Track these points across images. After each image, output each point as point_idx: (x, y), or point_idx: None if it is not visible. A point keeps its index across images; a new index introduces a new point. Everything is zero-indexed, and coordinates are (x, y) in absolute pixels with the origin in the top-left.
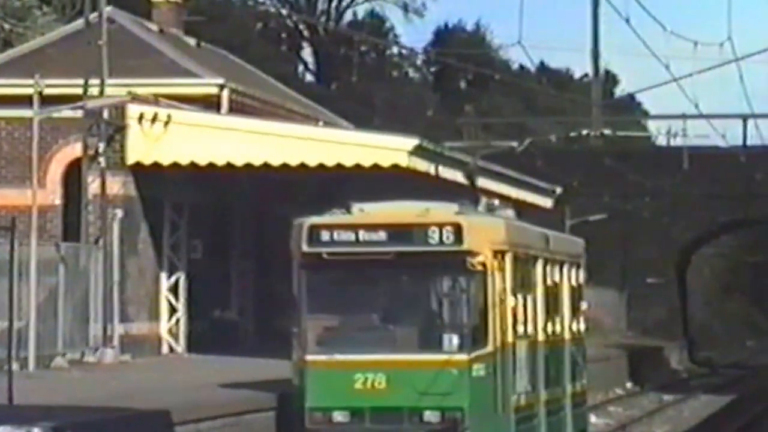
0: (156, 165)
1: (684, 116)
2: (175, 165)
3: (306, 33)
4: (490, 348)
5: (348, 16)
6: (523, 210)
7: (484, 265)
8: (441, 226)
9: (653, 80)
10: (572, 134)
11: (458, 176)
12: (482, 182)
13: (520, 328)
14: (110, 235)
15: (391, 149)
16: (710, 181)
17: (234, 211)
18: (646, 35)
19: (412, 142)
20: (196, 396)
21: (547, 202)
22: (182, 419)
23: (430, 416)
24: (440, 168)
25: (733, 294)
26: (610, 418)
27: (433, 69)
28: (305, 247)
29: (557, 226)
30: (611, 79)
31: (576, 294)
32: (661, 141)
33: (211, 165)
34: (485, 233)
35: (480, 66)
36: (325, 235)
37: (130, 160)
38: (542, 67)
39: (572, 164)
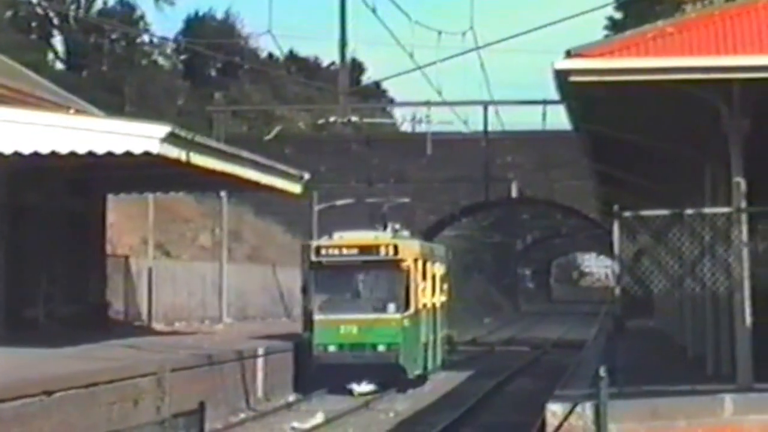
0: None
1: (428, 103)
2: None
3: (56, 21)
4: (411, 311)
5: (98, 4)
6: (273, 195)
7: (408, 267)
8: (387, 245)
9: (399, 68)
10: (320, 122)
11: (209, 163)
12: (233, 169)
13: (423, 300)
14: None
15: (142, 137)
16: (452, 165)
17: None
18: (391, 24)
19: (164, 129)
20: None
21: (295, 188)
22: None
23: (381, 347)
24: (192, 155)
25: (472, 274)
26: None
27: (183, 57)
28: (313, 258)
29: (305, 211)
30: (358, 68)
31: (443, 280)
32: (406, 127)
33: None
34: (409, 249)
35: (230, 54)
36: (324, 251)
37: None
38: (291, 55)
39: (320, 151)
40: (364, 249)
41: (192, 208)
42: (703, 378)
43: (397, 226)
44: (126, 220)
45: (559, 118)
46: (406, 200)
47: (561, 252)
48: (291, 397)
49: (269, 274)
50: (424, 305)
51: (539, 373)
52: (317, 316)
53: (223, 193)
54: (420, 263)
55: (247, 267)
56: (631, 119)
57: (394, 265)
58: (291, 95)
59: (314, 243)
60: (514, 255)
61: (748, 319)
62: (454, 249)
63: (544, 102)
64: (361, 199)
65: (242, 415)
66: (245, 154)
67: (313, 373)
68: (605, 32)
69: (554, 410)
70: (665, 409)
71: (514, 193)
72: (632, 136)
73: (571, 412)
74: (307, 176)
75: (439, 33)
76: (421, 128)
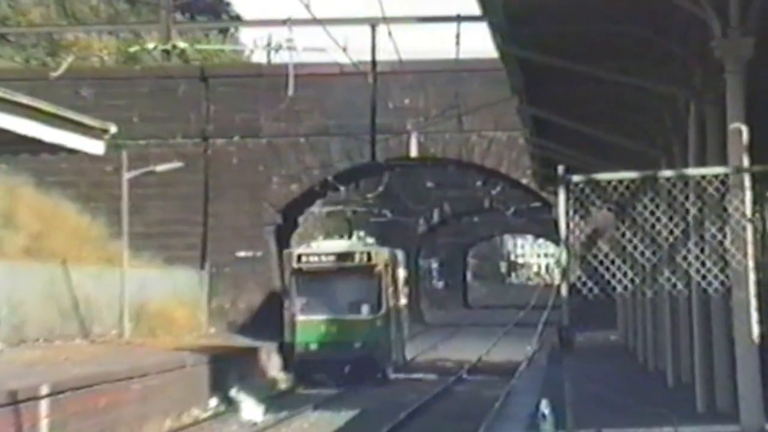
0: None
1: (289, 21)
2: None
3: None
4: (383, 312)
5: None
6: (62, 159)
7: (380, 272)
8: (361, 253)
9: None
10: (132, 50)
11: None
12: (2, 121)
13: (391, 302)
14: None
15: None
16: (324, 112)
17: None
18: None
19: None
20: None
21: (97, 147)
22: None
23: (357, 345)
24: None
25: None
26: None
27: None
28: (294, 264)
29: (112, 181)
30: None
31: (405, 283)
32: (259, 57)
33: None
34: (381, 256)
35: None
36: (304, 258)
37: None
38: None
39: (132, 93)
40: (340, 256)
41: None
42: (690, 416)
43: (362, 234)
44: None
45: (478, 43)
46: None
47: (482, 236)
48: None
49: (58, 274)
50: (392, 306)
51: (451, 412)
52: (300, 317)
53: None
54: (390, 269)
55: (24, 265)
56: (578, 41)
57: (367, 270)
58: (88, 12)
59: (295, 251)
60: (416, 241)
61: (755, 331)
62: (329, 232)
63: (458, 18)
64: (194, 162)
65: None
66: (21, 98)
67: (297, 367)
68: None
69: None
70: None
71: (413, 152)
72: (580, 65)
73: None
74: (113, 129)
75: None
76: (281, 59)
